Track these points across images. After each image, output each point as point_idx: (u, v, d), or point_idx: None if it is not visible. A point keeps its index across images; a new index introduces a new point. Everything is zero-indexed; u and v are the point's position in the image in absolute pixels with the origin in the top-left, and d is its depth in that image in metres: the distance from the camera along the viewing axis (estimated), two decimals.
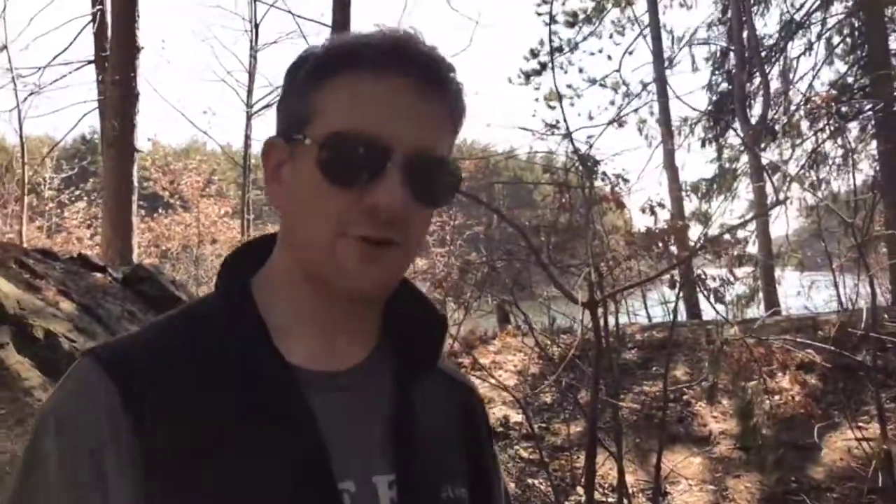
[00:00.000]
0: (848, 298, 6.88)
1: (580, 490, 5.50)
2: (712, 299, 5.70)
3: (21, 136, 9.12)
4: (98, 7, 10.26)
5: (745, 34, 16.49)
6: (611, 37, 19.29)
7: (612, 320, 6.74)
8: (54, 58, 10.30)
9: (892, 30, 14.99)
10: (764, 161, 12.43)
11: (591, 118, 18.31)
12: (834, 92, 13.15)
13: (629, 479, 6.08)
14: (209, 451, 0.82)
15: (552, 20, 18.34)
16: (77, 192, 16.63)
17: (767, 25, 29.15)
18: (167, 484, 0.80)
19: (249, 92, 17.04)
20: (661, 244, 5.79)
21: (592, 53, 20.00)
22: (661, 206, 6.71)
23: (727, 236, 6.09)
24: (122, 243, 8.83)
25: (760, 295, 14.22)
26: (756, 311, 13.88)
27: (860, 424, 6.25)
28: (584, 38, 19.22)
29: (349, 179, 0.85)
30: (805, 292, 11.83)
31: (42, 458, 0.81)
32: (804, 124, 14.82)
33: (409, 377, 0.97)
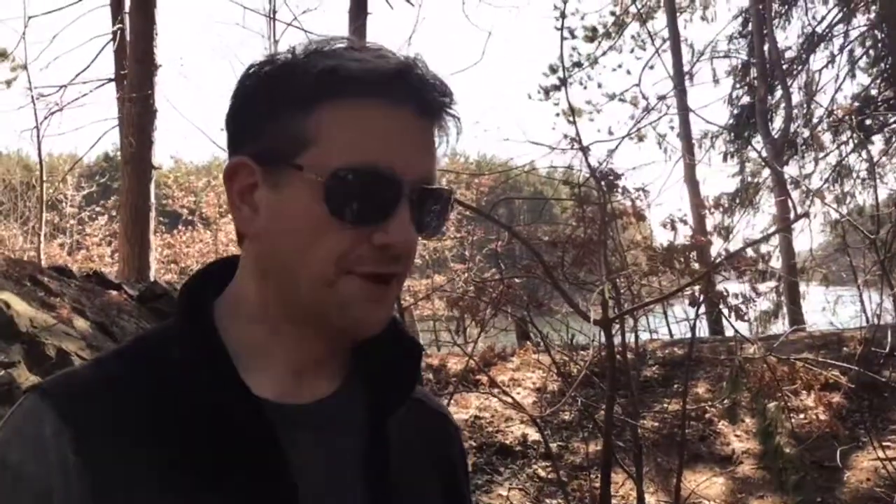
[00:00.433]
0: (874, 314, 6.72)
1: None
2: (733, 317, 5.60)
3: (39, 154, 9.22)
4: (118, 25, 10.36)
5: (766, 47, 16.35)
6: (631, 51, 19.24)
7: (631, 337, 6.66)
8: (76, 76, 10.41)
9: None
10: (786, 175, 12.29)
11: (610, 133, 18.21)
12: (857, 104, 12.98)
13: (650, 499, 5.96)
14: (168, 494, 0.76)
15: (570, 35, 18.35)
16: (98, 210, 16.79)
17: (788, 38, 29.07)
18: None
19: None
20: (682, 260, 5.70)
21: (614, 69, 19.93)
22: (683, 221, 6.63)
23: (749, 251, 5.97)
24: (139, 260, 8.86)
25: (784, 311, 14.03)
26: (780, 326, 13.71)
27: (887, 444, 6.10)
28: (604, 53, 19.18)
29: (361, 217, 0.80)
30: (830, 308, 11.62)
31: None
32: (827, 137, 14.65)
33: (383, 410, 0.92)
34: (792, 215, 10.06)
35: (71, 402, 0.78)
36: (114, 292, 6.97)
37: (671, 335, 11.57)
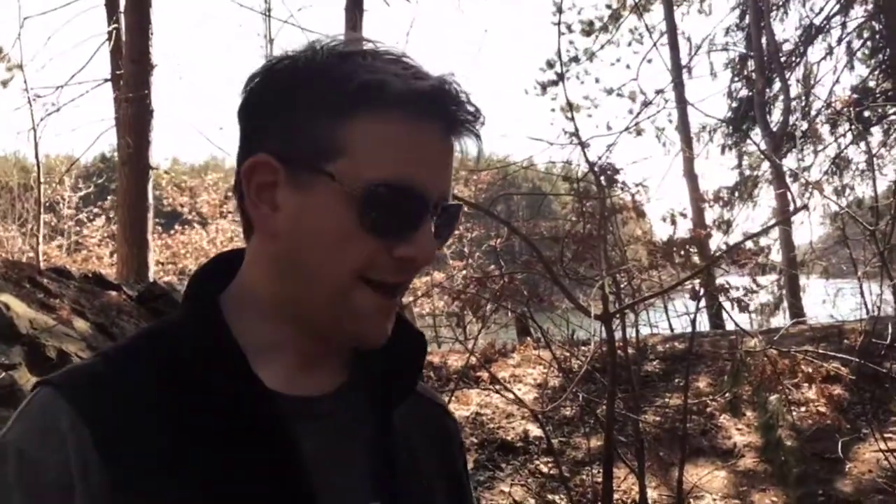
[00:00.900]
0: (874, 306, 6.71)
1: None
2: (735, 309, 5.58)
3: (37, 156, 9.17)
4: (114, 25, 10.32)
5: (763, 39, 16.34)
6: (629, 45, 19.25)
7: (631, 332, 6.65)
8: (72, 77, 10.35)
9: None
10: (785, 168, 12.28)
11: (609, 128, 18.20)
12: (855, 96, 12.96)
13: (652, 493, 5.96)
14: (187, 487, 0.77)
15: (568, 29, 18.32)
16: (96, 211, 16.76)
17: (786, 30, 29.06)
18: None
19: None
20: (682, 253, 5.69)
21: (612, 63, 19.89)
22: (683, 215, 6.62)
23: (749, 244, 5.96)
24: (137, 261, 8.84)
25: (785, 304, 14.03)
26: (781, 319, 13.71)
27: (888, 435, 6.10)
28: (602, 47, 19.16)
29: (390, 231, 0.83)
30: (830, 300, 11.62)
31: (5, 491, 0.75)
32: (825, 130, 14.64)
33: (388, 402, 0.94)
34: (791, 208, 10.05)
35: (85, 396, 0.79)
36: (113, 293, 6.97)
37: (672, 329, 11.55)
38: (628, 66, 19.92)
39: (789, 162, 15.53)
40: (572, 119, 5.17)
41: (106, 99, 10.53)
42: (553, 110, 18.86)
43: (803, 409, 7.05)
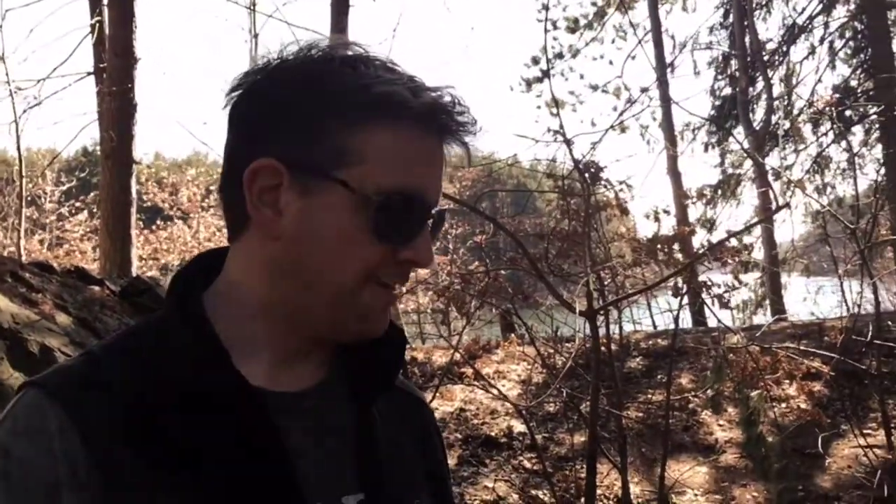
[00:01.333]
0: (854, 304, 6.78)
1: (583, 502, 5.42)
2: (716, 306, 5.63)
3: (18, 149, 9.09)
4: (97, 18, 10.22)
5: (747, 38, 16.44)
6: (613, 41, 19.25)
7: (615, 328, 6.69)
8: (53, 70, 10.25)
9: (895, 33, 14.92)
10: (767, 166, 12.36)
11: (593, 124, 18.25)
12: (837, 96, 13.07)
13: (634, 489, 6.00)
14: (174, 482, 0.78)
15: (553, 26, 18.34)
16: (78, 205, 16.62)
17: (769, 29, 29.13)
18: None
19: None
20: (666, 250, 5.73)
21: (595, 58, 19.97)
22: (667, 212, 6.66)
23: (733, 241, 6.01)
24: (120, 256, 8.77)
25: (767, 301, 14.13)
26: (763, 317, 13.81)
27: (867, 432, 6.17)
28: (587, 44, 19.18)
29: (397, 236, 0.87)
30: (811, 298, 11.72)
31: None
32: (807, 129, 14.76)
33: (368, 395, 0.97)
34: (774, 206, 10.12)
35: (73, 397, 0.79)
36: (96, 288, 6.91)
37: (654, 326, 11.62)
38: (611, 63, 19.99)
39: (772, 160, 15.64)
40: (558, 116, 5.19)
41: (88, 92, 10.45)
42: (539, 107, 18.91)
43: (784, 405, 7.12)
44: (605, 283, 5.49)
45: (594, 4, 19.07)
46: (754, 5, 16.76)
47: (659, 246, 5.76)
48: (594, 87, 18.98)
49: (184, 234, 16.44)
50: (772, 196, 9.88)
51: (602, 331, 4.93)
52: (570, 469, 6.38)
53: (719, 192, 17.38)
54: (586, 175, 4.99)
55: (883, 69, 13.22)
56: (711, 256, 5.53)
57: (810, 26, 16.62)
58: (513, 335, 10.14)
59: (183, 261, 16.74)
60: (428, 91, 0.87)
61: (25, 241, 11.29)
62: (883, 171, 13.33)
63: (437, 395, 7.39)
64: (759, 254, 13.76)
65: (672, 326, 6.93)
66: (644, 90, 15.28)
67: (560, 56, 18.95)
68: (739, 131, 16.58)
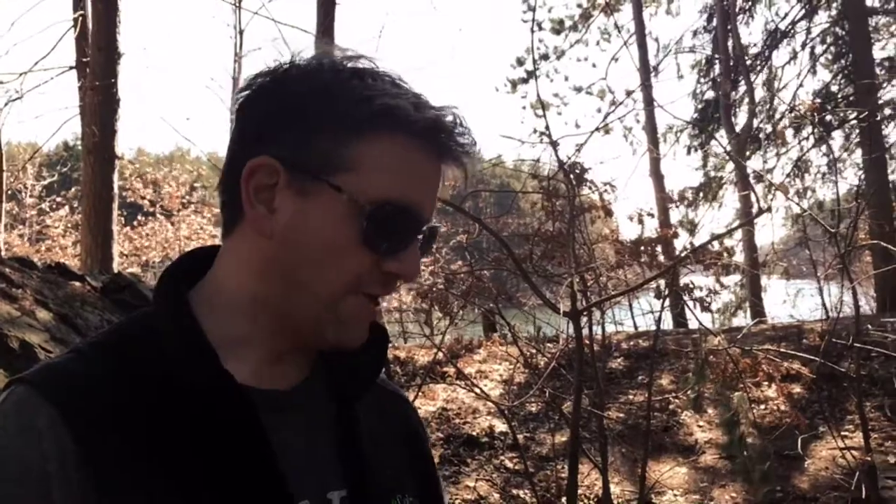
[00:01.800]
0: (833, 307, 6.86)
1: (565, 501, 5.45)
2: (697, 308, 5.67)
3: None
4: (80, 12, 10.14)
5: (730, 42, 16.56)
6: (597, 44, 19.47)
7: (597, 329, 6.71)
8: (35, 63, 10.13)
9: (876, 39, 15.10)
10: (749, 170, 12.46)
11: (577, 126, 18.33)
12: (818, 100, 13.20)
13: (615, 489, 6.04)
14: (162, 477, 0.78)
15: (539, 27, 18.39)
16: (59, 200, 16.47)
17: (752, 34, 29.39)
18: None
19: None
20: (649, 252, 5.77)
21: (579, 60, 20.04)
22: (650, 214, 6.69)
23: (715, 244, 6.06)
24: (101, 252, 8.70)
25: (747, 303, 14.25)
26: (743, 319, 13.92)
27: (845, 434, 6.25)
28: (571, 46, 19.28)
29: (385, 247, 0.87)
30: (791, 300, 11.84)
31: None
32: (789, 133, 14.88)
33: (351, 393, 0.98)
34: (755, 209, 10.20)
35: (62, 394, 0.79)
36: (77, 284, 6.85)
37: (636, 327, 11.69)
38: (594, 66, 20.08)
39: (754, 164, 15.78)
40: (544, 117, 5.21)
41: (71, 86, 10.36)
42: (524, 108, 18.95)
43: (763, 406, 7.19)
44: (588, 283, 5.51)
45: (579, 6, 19.16)
46: (737, 10, 16.90)
47: (642, 248, 5.79)
48: (578, 89, 19.09)
49: (166, 230, 16.33)
50: (753, 199, 9.96)
51: (585, 331, 4.95)
52: (552, 469, 6.40)
53: (701, 194, 17.51)
54: (571, 176, 5.00)
55: (863, 75, 13.36)
56: (693, 260, 5.57)
57: (792, 31, 16.78)
58: (495, 335, 10.17)
59: (165, 258, 16.64)
60: (431, 109, 0.88)
61: (6, 236, 11.17)
62: (863, 175, 13.50)
63: (420, 394, 7.40)
64: (739, 256, 13.89)
65: (653, 327, 6.98)
66: (629, 93, 15.37)
67: (545, 57, 19.03)
68: (722, 134, 16.72)
